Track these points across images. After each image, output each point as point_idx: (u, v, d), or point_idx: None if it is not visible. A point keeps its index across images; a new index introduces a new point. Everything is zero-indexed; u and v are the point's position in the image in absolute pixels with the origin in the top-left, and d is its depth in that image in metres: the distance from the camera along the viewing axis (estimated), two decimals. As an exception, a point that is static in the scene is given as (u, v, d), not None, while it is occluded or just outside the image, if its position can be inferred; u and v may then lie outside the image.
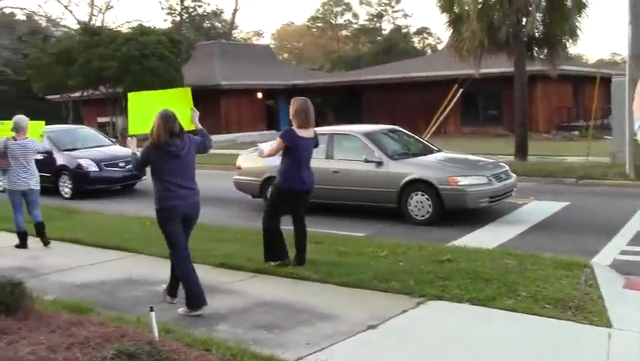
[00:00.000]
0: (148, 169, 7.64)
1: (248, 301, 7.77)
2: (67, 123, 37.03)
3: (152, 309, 5.74)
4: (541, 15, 22.13)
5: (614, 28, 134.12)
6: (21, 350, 5.46)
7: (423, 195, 12.90)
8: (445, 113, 26.18)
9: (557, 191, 16.79)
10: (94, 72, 38.77)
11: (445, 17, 23.06)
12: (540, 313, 6.90)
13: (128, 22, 75.73)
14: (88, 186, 18.85)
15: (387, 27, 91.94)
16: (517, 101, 22.48)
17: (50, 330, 6.03)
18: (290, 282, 8.54)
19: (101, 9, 58.59)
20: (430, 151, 14.66)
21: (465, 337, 6.44)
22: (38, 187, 11.49)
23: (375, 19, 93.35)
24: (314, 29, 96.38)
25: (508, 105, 33.50)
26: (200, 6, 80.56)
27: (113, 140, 22.80)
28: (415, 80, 40.10)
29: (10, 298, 6.34)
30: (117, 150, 20.07)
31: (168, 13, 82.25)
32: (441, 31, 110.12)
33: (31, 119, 11.70)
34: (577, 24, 21.96)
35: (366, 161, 13.47)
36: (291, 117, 9.12)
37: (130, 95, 8.36)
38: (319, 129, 15.07)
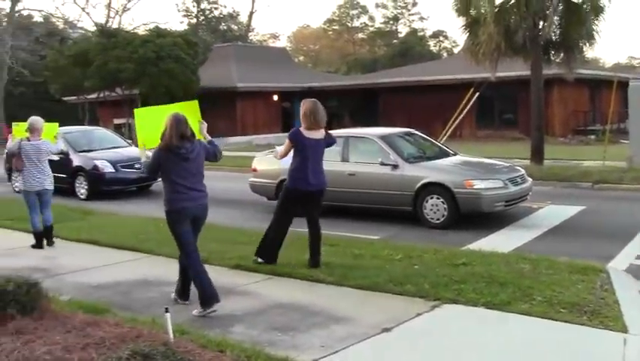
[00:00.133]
0: None
1: (263, 303, 7.78)
2: (83, 125, 37.20)
3: (167, 310, 5.76)
4: (558, 18, 21.99)
5: (631, 32, 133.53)
6: (37, 350, 5.48)
7: (438, 198, 12.87)
8: (460, 117, 26.11)
9: (573, 195, 16.71)
10: (110, 74, 38.93)
11: (461, 20, 22.97)
12: (555, 317, 6.87)
13: (144, 24, 76.23)
14: (104, 187, 18.90)
15: (403, 30, 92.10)
16: (533, 105, 22.38)
17: (66, 330, 6.05)
18: (305, 284, 8.55)
19: (117, 11, 58.91)
20: (446, 154, 14.63)
21: (479, 341, 6.42)
22: (52, 187, 11.62)
23: (391, 22, 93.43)
24: (330, 32, 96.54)
25: (523, 109, 33.40)
26: (216, 8, 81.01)
27: (129, 141, 22.86)
28: (430, 83, 40.05)
29: (26, 298, 6.36)
30: (133, 151, 20.08)
31: (185, 16, 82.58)
32: (457, 34, 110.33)
33: (47, 121, 11.84)
34: (594, 27, 21.83)
35: (382, 164, 13.45)
36: (300, 119, 9.21)
37: (136, 111, 8.47)
38: (335, 132, 15.11)
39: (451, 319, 7.12)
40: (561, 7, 21.85)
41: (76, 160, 19.14)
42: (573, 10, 21.56)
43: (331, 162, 13.43)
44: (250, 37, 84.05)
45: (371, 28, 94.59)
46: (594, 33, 21.93)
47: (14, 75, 50.09)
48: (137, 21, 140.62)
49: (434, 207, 12.91)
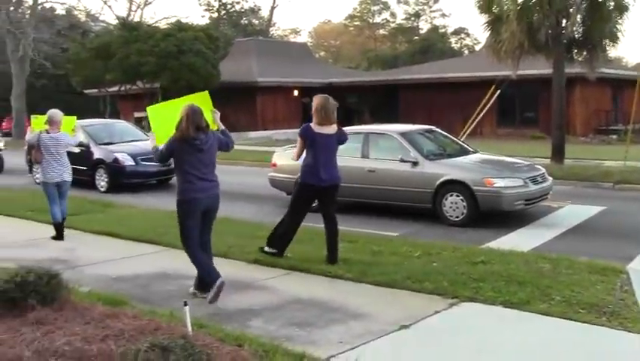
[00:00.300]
0: None
1: (281, 298, 7.79)
2: (104, 117, 37.41)
3: (185, 304, 5.78)
4: (581, 17, 21.88)
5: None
6: (57, 340, 5.52)
7: (458, 196, 12.83)
8: (481, 115, 26.01)
9: (594, 195, 16.60)
10: (132, 67, 39.13)
11: (483, 18, 22.93)
12: (574, 318, 6.83)
13: (166, 18, 76.32)
14: (124, 180, 18.98)
15: (424, 27, 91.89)
16: (555, 104, 22.28)
17: (85, 321, 6.10)
18: (324, 280, 8.55)
19: (139, 5, 58.92)
20: (466, 152, 14.58)
21: (497, 340, 6.40)
22: (70, 179, 11.77)
23: (412, 19, 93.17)
24: (351, 28, 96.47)
25: (545, 107, 33.25)
26: (237, 3, 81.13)
27: (149, 134, 22.95)
28: (451, 81, 39.97)
29: (46, 288, 6.42)
30: (153, 145, 20.19)
31: (206, 10, 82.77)
32: (478, 31, 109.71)
33: (68, 114, 11.95)
34: (617, 26, 21.71)
35: (402, 161, 13.42)
36: (312, 114, 9.27)
37: (148, 109, 8.51)
38: (355, 128, 15.10)
39: (468, 317, 7.10)
40: (584, 5, 21.72)
41: (97, 153, 19.24)
42: (597, 9, 21.41)
43: (351, 158, 13.48)
44: (271, 32, 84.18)
45: (392, 25, 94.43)
46: (618, 32, 21.81)
47: (36, 67, 50.35)
48: (158, 15, 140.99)
49: (453, 205, 12.88)
